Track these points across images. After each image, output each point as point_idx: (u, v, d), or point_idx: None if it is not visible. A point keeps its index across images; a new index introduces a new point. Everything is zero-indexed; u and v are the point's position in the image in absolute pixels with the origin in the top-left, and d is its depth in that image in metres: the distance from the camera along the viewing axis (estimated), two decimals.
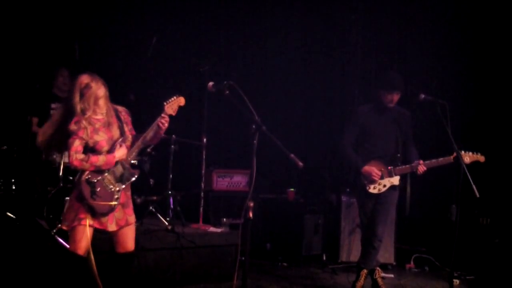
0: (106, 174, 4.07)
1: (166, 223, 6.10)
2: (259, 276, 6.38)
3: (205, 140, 6.91)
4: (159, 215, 6.34)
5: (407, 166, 5.47)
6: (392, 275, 6.72)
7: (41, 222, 5.57)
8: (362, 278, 5.63)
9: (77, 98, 4.00)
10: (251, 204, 3.75)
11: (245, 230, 3.80)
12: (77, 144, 3.99)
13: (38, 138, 4.08)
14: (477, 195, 4.75)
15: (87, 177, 4.00)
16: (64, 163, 5.70)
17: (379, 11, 8.54)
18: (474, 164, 5.28)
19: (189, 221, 6.60)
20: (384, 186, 5.50)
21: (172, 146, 6.50)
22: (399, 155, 5.55)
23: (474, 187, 4.73)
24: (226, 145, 8.40)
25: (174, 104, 4.21)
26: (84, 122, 4.01)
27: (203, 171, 6.99)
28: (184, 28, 8.29)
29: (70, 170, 5.77)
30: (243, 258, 3.87)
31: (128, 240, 4.22)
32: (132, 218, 4.23)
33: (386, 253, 6.95)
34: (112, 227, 4.09)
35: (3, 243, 5.07)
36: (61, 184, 5.58)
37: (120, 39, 7.68)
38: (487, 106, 7.44)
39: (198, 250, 5.91)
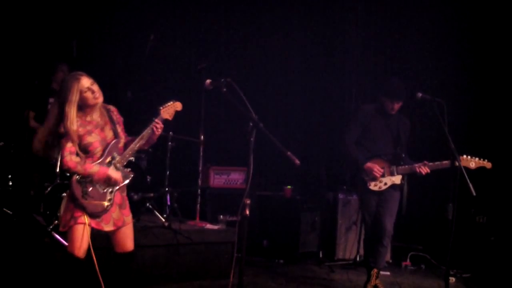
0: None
1: (163, 220, 6.11)
2: (255, 273, 6.39)
3: (202, 137, 6.91)
4: (156, 212, 6.35)
5: (411, 166, 5.45)
6: (388, 273, 6.74)
7: (38, 218, 5.56)
8: (374, 278, 5.59)
9: (74, 98, 3.90)
10: (248, 201, 3.76)
11: (241, 227, 3.81)
12: (70, 145, 3.92)
13: (35, 146, 4.00)
14: (474, 193, 4.75)
15: (77, 177, 3.94)
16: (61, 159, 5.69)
17: (378, 11, 8.54)
18: (470, 169, 5.26)
19: (186, 218, 6.60)
20: (385, 184, 5.48)
21: (169, 143, 6.50)
22: (403, 155, 5.55)
23: (470, 185, 4.73)
24: (223, 142, 8.40)
25: (170, 108, 4.18)
26: (76, 123, 3.93)
27: (200, 168, 7.00)
28: (182, 26, 8.29)
29: (63, 169, 5.81)
30: (239, 255, 3.87)
31: (127, 240, 4.20)
32: (129, 219, 4.20)
33: None
34: (108, 227, 4.06)
35: (0, 239, 5.07)
36: (58, 180, 5.57)
37: (118, 37, 7.68)
38: (485, 105, 7.45)
39: (194, 247, 5.92)
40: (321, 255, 7.33)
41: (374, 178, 5.45)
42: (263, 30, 8.82)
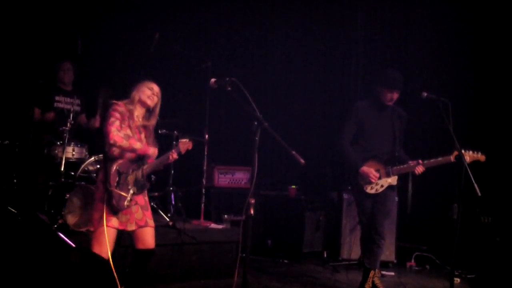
0: (130, 174, 4.24)
1: (167, 219, 6.11)
2: (259, 273, 6.38)
3: (207, 136, 6.91)
4: (160, 211, 6.35)
5: (406, 166, 5.37)
6: (393, 273, 6.72)
7: (42, 217, 5.57)
8: (370, 280, 5.56)
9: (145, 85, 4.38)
10: (252, 201, 3.75)
11: (246, 227, 3.80)
12: (118, 124, 4.17)
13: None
14: (479, 193, 4.73)
15: (118, 167, 4.16)
16: (65, 158, 5.70)
17: (381, 9, 8.53)
18: (476, 163, 5.25)
19: (190, 218, 6.59)
20: (382, 186, 5.43)
21: (174, 142, 6.49)
22: (397, 154, 5.48)
23: (475, 185, 4.71)
24: (228, 141, 8.40)
25: (185, 144, 4.52)
26: (123, 109, 4.24)
27: (204, 168, 6.99)
28: (187, 25, 8.29)
29: (72, 165, 5.82)
30: (244, 255, 3.87)
31: (149, 237, 4.37)
32: (152, 222, 4.39)
33: (387, 251, 6.94)
34: (131, 227, 4.25)
35: (4, 237, 5.07)
36: (63, 179, 5.58)
37: (123, 35, 7.67)
38: (488, 104, 7.43)
39: (199, 247, 5.92)
40: (325, 255, 7.32)
41: (370, 183, 5.39)
42: (266, 29, 8.82)
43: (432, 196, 7.55)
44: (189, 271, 5.81)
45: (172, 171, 6.53)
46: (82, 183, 5.51)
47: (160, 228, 5.80)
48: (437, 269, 7.09)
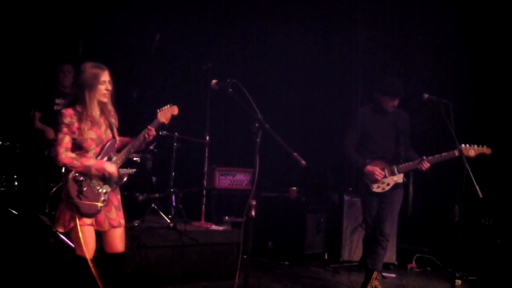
0: (95, 175, 3.99)
1: (168, 221, 6.11)
2: (260, 275, 6.37)
3: (207, 138, 6.91)
4: (161, 213, 6.34)
5: (410, 163, 5.45)
6: (393, 275, 6.72)
7: (43, 219, 5.57)
8: (374, 281, 5.56)
9: (96, 85, 3.98)
10: (253, 203, 3.75)
11: (247, 229, 3.80)
12: (67, 141, 3.91)
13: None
14: (480, 195, 4.73)
15: (74, 175, 3.91)
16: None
17: (381, 12, 8.53)
18: (477, 164, 5.23)
19: (191, 219, 6.59)
20: (388, 184, 5.48)
21: (175, 144, 6.50)
22: (402, 153, 5.55)
23: (477, 187, 4.71)
24: (228, 143, 8.40)
25: (167, 112, 4.21)
26: (76, 117, 3.94)
27: (205, 169, 6.98)
28: (188, 26, 8.30)
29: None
30: (245, 257, 3.86)
31: (118, 241, 4.13)
32: (123, 221, 4.17)
33: (388, 253, 6.90)
34: (103, 227, 4.04)
35: (5, 239, 5.07)
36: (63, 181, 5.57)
37: (124, 37, 7.68)
38: (489, 105, 7.43)
39: (200, 248, 5.91)
40: (326, 257, 7.32)
41: (376, 181, 5.45)
42: (267, 30, 8.82)
43: (433, 197, 7.55)
44: (190, 272, 5.80)
45: (173, 173, 6.52)
46: None
47: (161, 229, 5.82)
48: (438, 271, 7.07)
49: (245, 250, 3.84)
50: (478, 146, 5.33)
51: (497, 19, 7.35)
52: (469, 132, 6.90)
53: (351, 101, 8.68)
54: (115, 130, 4.18)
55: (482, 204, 6.51)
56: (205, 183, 6.97)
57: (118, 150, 4.18)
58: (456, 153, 5.18)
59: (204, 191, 6.92)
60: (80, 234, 3.88)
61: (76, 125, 3.93)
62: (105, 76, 4.04)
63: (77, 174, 3.92)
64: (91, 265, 3.90)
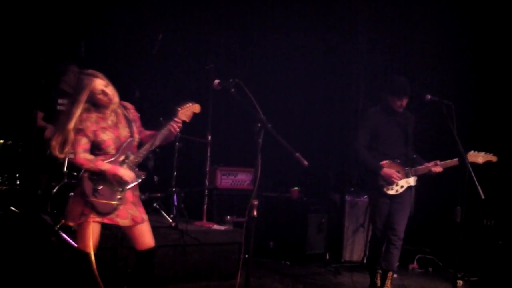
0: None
1: (170, 220, 6.11)
2: (262, 275, 6.37)
3: (209, 137, 6.91)
4: (163, 212, 6.34)
5: (424, 166, 5.41)
6: (395, 275, 6.69)
7: (45, 217, 5.57)
8: (389, 282, 5.55)
9: (83, 98, 3.95)
10: (255, 202, 3.74)
11: (248, 228, 3.80)
12: (84, 142, 3.96)
13: (53, 148, 3.93)
14: (482, 196, 4.72)
15: (88, 174, 3.94)
16: (69, 158, 5.69)
17: (382, 11, 8.52)
18: (479, 165, 5.24)
19: (193, 219, 6.59)
20: (402, 187, 5.44)
21: (177, 143, 6.50)
22: (415, 156, 5.54)
23: (479, 188, 4.70)
24: (230, 143, 8.40)
25: (188, 110, 4.15)
26: (90, 120, 3.99)
27: (207, 169, 6.99)
28: (190, 26, 8.29)
29: (75, 165, 5.82)
30: (246, 256, 3.87)
31: (147, 236, 4.17)
32: (146, 216, 4.19)
33: None
34: (125, 222, 4.04)
35: (7, 238, 5.08)
36: (66, 180, 5.58)
37: (126, 36, 7.68)
38: (490, 106, 7.42)
39: (201, 248, 5.91)
40: (327, 257, 7.32)
41: (392, 183, 5.40)
42: (268, 30, 8.81)
43: (435, 198, 7.53)
44: (192, 272, 5.80)
45: (175, 172, 6.52)
46: None
47: (162, 229, 5.82)
48: (440, 272, 7.07)
49: (247, 250, 3.85)
50: (485, 153, 5.34)
51: (497, 19, 7.34)
52: (470, 132, 6.92)
53: (352, 101, 8.68)
54: (134, 128, 4.18)
55: (484, 205, 6.51)
56: (207, 182, 6.98)
57: (139, 146, 4.18)
58: (468, 157, 5.15)
59: (206, 191, 6.93)
60: (87, 231, 3.90)
61: (91, 128, 3.98)
62: (99, 85, 4.01)
63: (90, 174, 3.94)
64: (92, 260, 3.90)
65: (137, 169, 4.14)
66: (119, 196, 4.00)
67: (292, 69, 8.74)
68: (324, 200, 7.82)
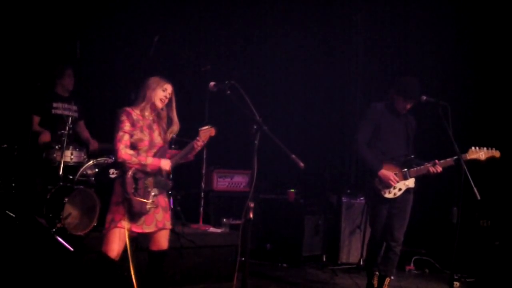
0: (149, 176, 4.15)
1: None
2: (259, 277, 6.37)
3: None
4: None
5: (422, 167, 5.25)
6: (391, 277, 6.69)
7: (40, 221, 5.55)
8: (385, 287, 5.51)
9: (158, 89, 4.22)
10: (252, 205, 3.74)
11: (245, 231, 3.80)
12: (126, 138, 4.09)
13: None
14: (478, 197, 4.71)
15: (133, 173, 4.06)
16: (64, 162, 5.68)
17: (380, 12, 8.53)
18: (475, 165, 5.22)
19: (189, 221, 6.59)
20: (400, 189, 5.28)
21: (173, 146, 6.48)
22: (413, 156, 5.37)
23: (475, 189, 4.70)
24: (227, 145, 8.38)
25: (206, 132, 4.35)
26: (134, 117, 4.13)
27: (203, 171, 6.98)
28: (186, 27, 8.28)
29: (70, 169, 5.81)
30: (243, 259, 3.86)
31: (164, 240, 4.34)
32: (169, 224, 4.34)
33: None
34: (150, 229, 4.19)
35: (3, 241, 5.06)
36: (61, 183, 5.56)
37: (122, 38, 7.66)
38: (487, 107, 7.43)
39: (198, 250, 5.90)
40: (324, 259, 7.31)
41: (389, 186, 5.24)
42: (265, 31, 8.81)
43: (431, 199, 7.54)
44: (188, 275, 5.79)
45: (171, 175, 6.50)
46: (81, 187, 5.50)
47: None
48: (436, 273, 7.07)
49: (243, 252, 3.84)
50: (488, 148, 5.25)
51: (497, 19, 7.35)
52: (470, 132, 6.94)
53: (349, 102, 8.69)
54: (168, 137, 4.39)
55: (480, 206, 6.52)
56: (203, 185, 6.97)
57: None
58: (467, 156, 5.10)
59: (202, 193, 6.92)
60: (114, 236, 4.04)
61: (129, 125, 4.12)
62: (168, 87, 4.28)
63: (136, 173, 4.07)
64: (130, 265, 4.08)
65: (166, 179, 4.33)
66: (152, 199, 4.15)
67: (289, 70, 8.74)
68: (320, 202, 7.81)
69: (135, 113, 4.18)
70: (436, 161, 5.25)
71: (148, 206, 4.10)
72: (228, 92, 3.95)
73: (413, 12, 8.22)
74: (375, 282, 5.59)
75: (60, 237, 5.13)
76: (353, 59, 8.74)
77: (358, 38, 8.70)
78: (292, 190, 7.61)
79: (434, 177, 5.39)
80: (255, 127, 3.78)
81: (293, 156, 3.78)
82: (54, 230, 5.20)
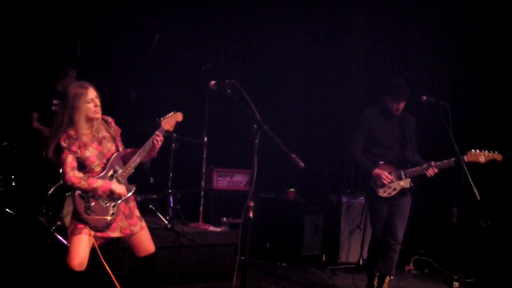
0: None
1: (166, 222, 6.10)
2: (258, 276, 6.37)
3: (206, 138, 6.89)
4: (158, 214, 6.34)
5: (418, 168, 5.32)
6: (391, 277, 6.70)
7: (40, 219, 5.56)
8: (386, 286, 5.54)
9: (83, 106, 3.91)
10: (252, 204, 3.74)
11: (245, 230, 3.79)
12: (70, 160, 3.88)
13: (49, 155, 3.92)
14: (478, 197, 4.72)
15: (80, 192, 3.91)
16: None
17: (380, 12, 8.53)
18: (475, 166, 5.21)
19: (189, 220, 6.58)
20: (394, 189, 5.36)
21: (173, 145, 6.49)
22: (409, 157, 5.43)
23: (475, 189, 4.70)
24: (227, 144, 8.38)
25: (171, 119, 4.23)
26: (74, 137, 3.90)
27: (203, 170, 6.97)
28: (186, 26, 8.28)
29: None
30: (242, 258, 3.86)
31: (145, 243, 4.20)
32: (137, 227, 4.14)
33: None
34: (115, 234, 4.05)
35: (2, 239, 5.06)
36: (61, 181, 5.56)
37: (122, 36, 7.67)
38: (487, 107, 7.43)
39: (197, 249, 5.91)
40: (324, 258, 7.30)
41: (383, 185, 5.34)
42: (266, 31, 8.80)
43: (431, 199, 7.54)
44: (188, 274, 5.79)
45: (171, 174, 6.51)
46: None
47: (158, 230, 5.81)
48: (436, 273, 7.07)
49: (243, 251, 3.84)
50: (489, 151, 5.25)
51: (497, 19, 7.35)
52: (470, 132, 6.94)
53: (350, 102, 8.68)
54: (118, 142, 4.16)
55: (479, 206, 6.51)
56: (203, 184, 6.97)
57: (125, 162, 4.18)
58: (466, 159, 5.09)
59: (202, 192, 6.91)
60: (74, 243, 3.88)
61: (74, 146, 3.90)
62: (91, 94, 3.95)
63: (82, 190, 3.91)
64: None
65: (126, 182, 4.14)
66: (112, 211, 4.00)
67: (290, 70, 8.73)
68: (320, 201, 7.82)
69: (70, 134, 3.90)
70: (432, 162, 5.29)
71: (108, 221, 3.95)
72: (229, 91, 3.94)
73: (413, 12, 8.21)
74: (375, 283, 5.61)
75: (59, 235, 5.13)
76: (353, 59, 8.73)
77: (358, 38, 8.69)
78: (292, 190, 7.60)
79: (434, 178, 5.40)
80: (255, 126, 3.78)
81: (293, 155, 3.78)
82: (53, 228, 5.20)
